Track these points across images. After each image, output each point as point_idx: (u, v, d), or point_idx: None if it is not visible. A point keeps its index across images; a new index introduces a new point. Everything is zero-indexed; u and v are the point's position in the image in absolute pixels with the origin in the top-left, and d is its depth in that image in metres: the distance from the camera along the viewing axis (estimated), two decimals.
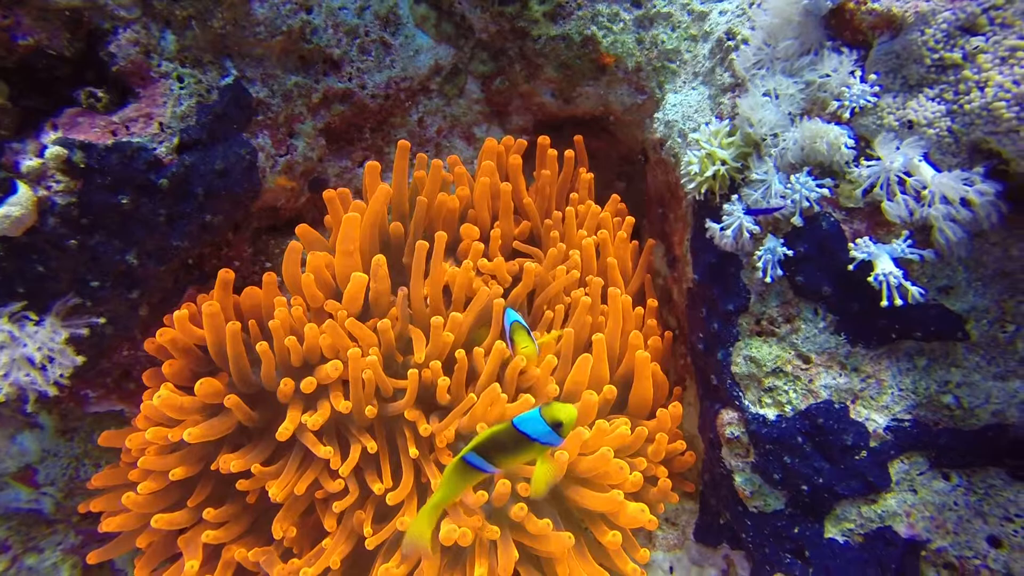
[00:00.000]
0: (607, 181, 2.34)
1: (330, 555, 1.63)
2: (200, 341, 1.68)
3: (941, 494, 1.28)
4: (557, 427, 1.19)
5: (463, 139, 2.15)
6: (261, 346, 1.57)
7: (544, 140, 1.99)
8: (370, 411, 1.62)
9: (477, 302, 1.69)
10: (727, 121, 1.46)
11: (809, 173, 1.29)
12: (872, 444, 1.31)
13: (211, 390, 1.65)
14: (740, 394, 1.47)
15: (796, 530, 1.41)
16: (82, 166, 1.33)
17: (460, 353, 1.66)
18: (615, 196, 2.06)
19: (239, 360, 1.66)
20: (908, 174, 1.18)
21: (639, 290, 2.01)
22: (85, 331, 1.52)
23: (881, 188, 1.21)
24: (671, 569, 1.88)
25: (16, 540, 2.13)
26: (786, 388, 1.39)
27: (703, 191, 1.49)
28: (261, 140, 1.67)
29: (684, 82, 1.86)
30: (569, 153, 2.00)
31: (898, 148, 1.17)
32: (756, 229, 1.37)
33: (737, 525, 1.58)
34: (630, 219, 2.02)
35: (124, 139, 1.37)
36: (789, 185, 1.29)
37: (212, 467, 1.74)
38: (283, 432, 1.60)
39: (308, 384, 1.61)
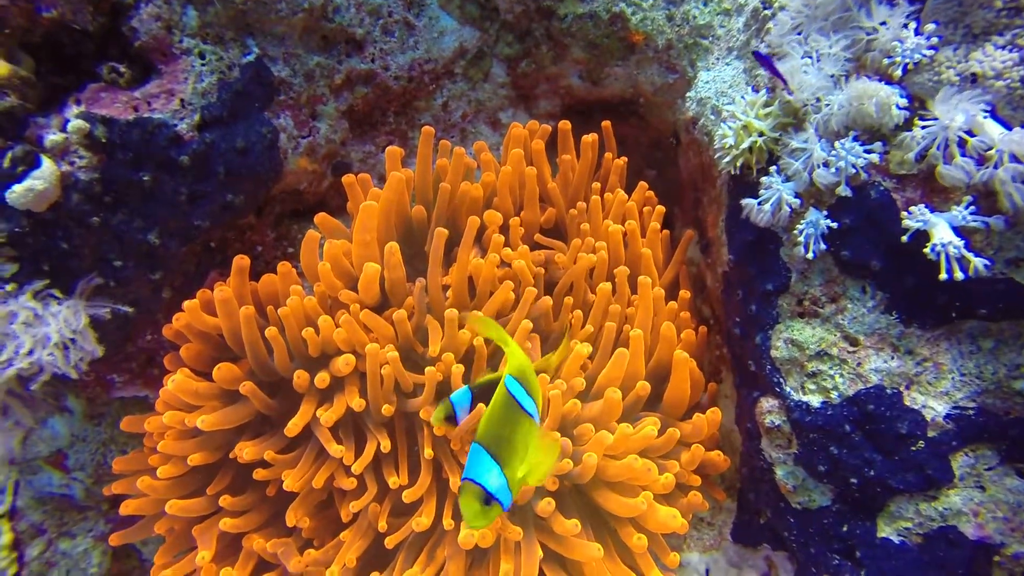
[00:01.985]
0: (637, 169, 2.25)
1: (346, 552, 1.57)
2: (216, 329, 1.66)
3: (1016, 493, 1.15)
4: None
5: (488, 125, 2.10)
6: (270, 331, 1.53)
7: (565, 125, 1.92)
8: (387, 410, 1.57)
9: (496, 300, 1.62)
10: (764, 91, 1.37)
11: (856, 138, 1.19)
12: (930, 434, 1.20)
13: (229, 375, 1.62)
14: (781, 380, 1.36)
15: (845, 528, 1.30)
16: (104, 141, 1.33)
17: (479, 342, 1.60)
18: (643, 184, 1.98)
19: (255, 347, 1.62)
20: (970, 134, 1.08)
21: (672, 282, 1.92)
22: (107, 314, 1.50)
23: (938, 149, 1.11)
24: (707, 572, 1.77)
25: (51, 524, 2.16)
26: (832, 373, 1.29)
27: (738, 165, 1.40)
28: (283, 120, 1.65)
29: (717, 59, 1.77)
30: (592, 138, 1.92)
31: (958, 105, 1.07)
32: (796, 202, 1.28)
33: (779, 523, 1.47)
34: (660, 208, 1.93)
35: (145, 115, 1.36)
36: (834, 152, 1.19)
37: (231, 455, 1.71)
38: (292, 428, 1.56)
39: (321, 380, 1.56)
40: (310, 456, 1.66)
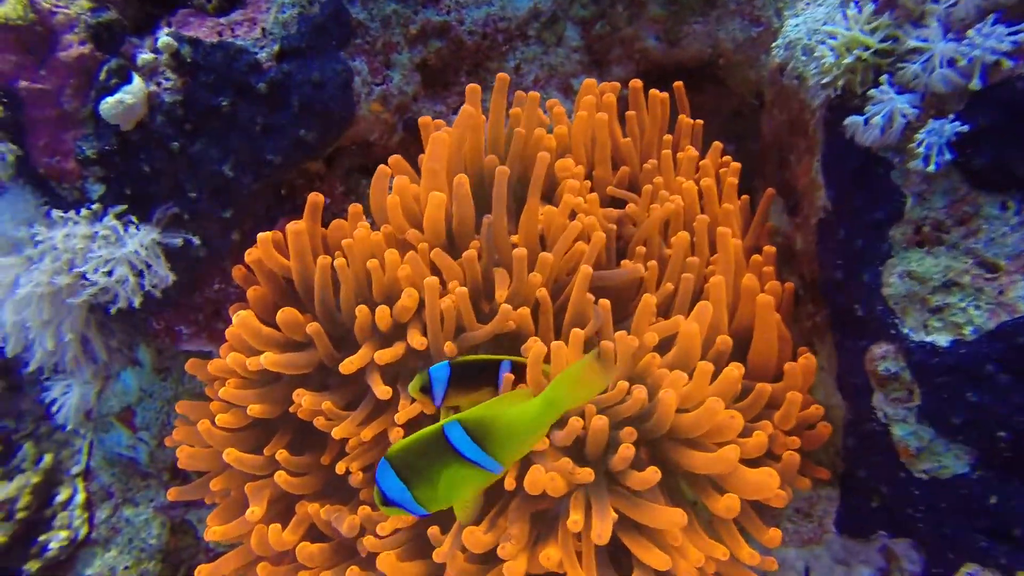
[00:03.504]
0: (713, 141, 2.15)
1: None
2: (285, 270, 1.65)
3: None
4: None
5: (560, 91, 2.06)
6: (339, 263, 1.49)
7: (636, 83, 1.86)
8: (449, 347, 1.50)
9: (566, 240, 1.53)
10: (870, 5, 1.26)
11: (997, 21, 1.05)
12: None
13: (292, 320, 1.59)
14: (896, 320, 1.20)
15: (993, 500, 1.09)
16: (189, 61, 1.36)
17: (543, 293, 1.51)
18: (717, 144, 1.87)
19: (324, 290, 1.59)
20: None
21: (753, 246, 1.79)
22: (179, 241, 1.51)
23: None
24: (806, 570, 1.56)
25: (118, 487, 2.20)
26: (963, 305, 1.12)
27: (839, 86, 1.28)
28: (358, 64, 1.66)
29: (808, 3, 1.68)
30: (663, 94, 1.84)
31: None
32: (913, 112, 1.14)
33: (899, 501, 1.27)
34: (736, 164, 1.81)
35: (228, 40, 1.40)
36: (966, 41, 1.05)
37: (291, 409, 1.67)
38: (346, 366, 1.50)
39: (382, 314, 1.49)
40: (365, 409, 1.60)
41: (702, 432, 1.35)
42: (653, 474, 1.28)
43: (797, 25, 1.60)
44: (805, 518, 1.60)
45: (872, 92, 1.20)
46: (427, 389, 1.37)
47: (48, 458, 2.10)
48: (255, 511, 1.57)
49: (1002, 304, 1.08)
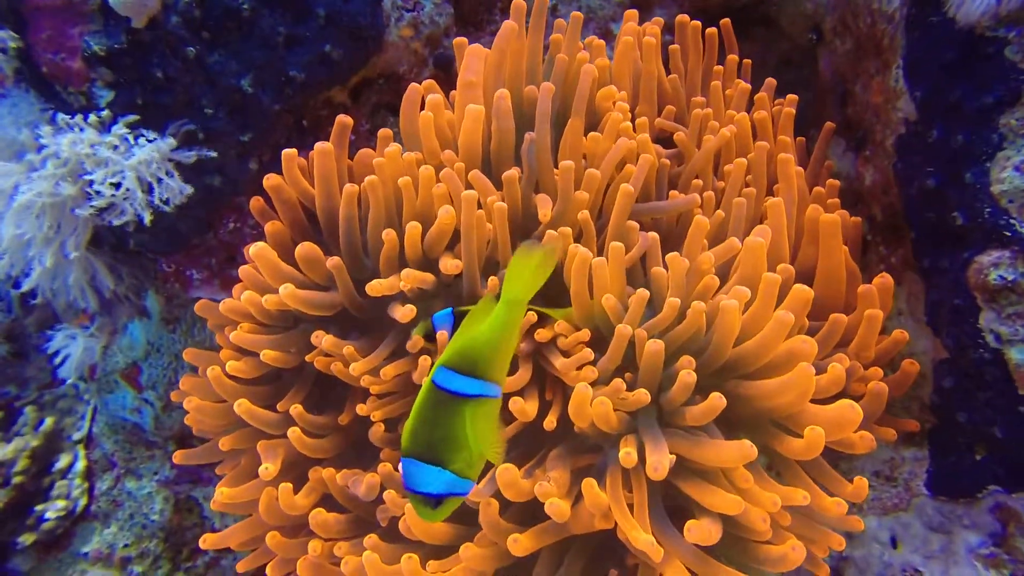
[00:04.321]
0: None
1: None
2: (308, 199, 1.52)
3: None
4: None
5: (599, 35, 1.95)
6: (369, 181, 1.36)
7: (683, 18, 1.74)
8: (492, 282, 1.35)
9: (616, 153, 1.39)
10: None
11: None
12: None
13: (312, 254, 1.45)
14: (1011, 221, 1.03)
15: None
16: None
17: (585, 215, 1.35)
18: (771, 81, 1.73)
19: (349, 222, 1.45)
20: None
21: (812, 183, 1.63)
22: (192, 157, 1.40)
23: None
24: (893, 541, 1.34)
25: (121, 457, 2.07)
26: None
27: None
28: None
29: None
30: (711, 29, 1.72)
31: None
32: None
33: (1016, 446, 1.08)
34: (792, 96, 1.67)
35: None
36: None
37: (308, 358, 1.52)
38: (372, 287, 1.35)
39: (413, 234, 1.34)
40: (388, 347, 1.45)
41: (770, 356, 1.16)
42: (718, 400, 1.10)
43: None
44: (887, 482, 1.39)
45: None
46: (430, 336, 1.31)
47: (49, 422, 1.98)
48: (269, 468, 1.41)
49: None
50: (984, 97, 1.07)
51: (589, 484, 1.11)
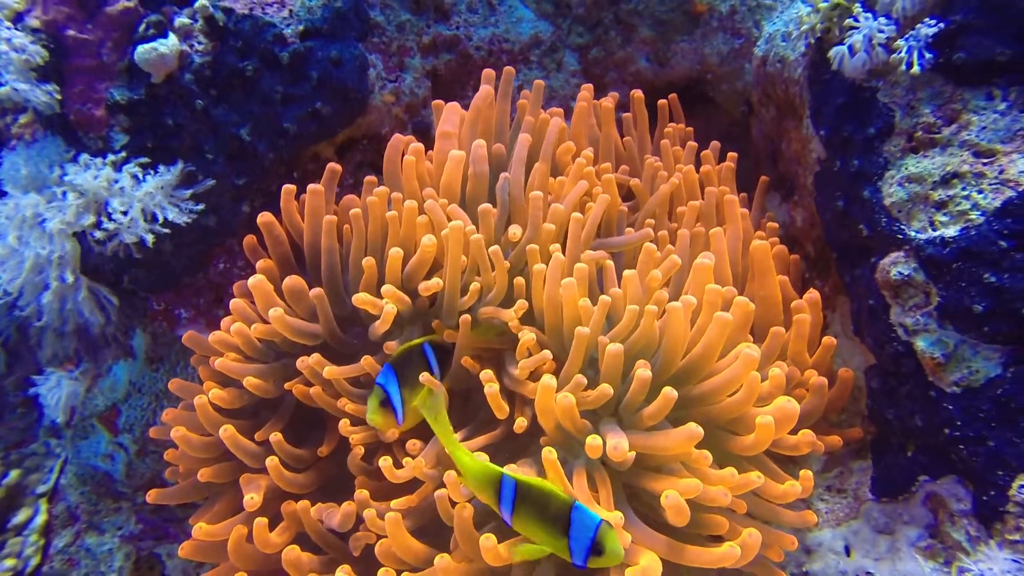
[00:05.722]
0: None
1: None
2: (299, 234, 1.66)
3: None
4: None
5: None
6: (355, 212, 1.51)
7: (637, 93, 2.01)
8: (464, 320, 1.47)
9: (579, 191, 1.57)
10: None
11: None
12: None
13: (296, 286, 1.58)
14: (902, 226, 1.21)
15: None
16: (220, 25, 1.48)
17: (552, 246, 1.50)
18: (715, 143, 1.98)
19: (331, 255, 1.59)
20: None
21: (754, 227, 1.82)
22: (188, 194, 1.55)
23: None
24: (847, 549, 1.40)
25: (85, 510, 2.02)
26: (966, 193, 1.13)
27: (820, 29, 1.39)
28: (374, 59, 1.81)
29: (782, 10, 1.87)
30: (661, 101, 1.98)
31: None
32: (892, 28, 1.24)
33: (933, 429, 1.18)
34: (732, 153, 1.91)
35: (258, 13, 1.53)
36: None
37: (287, 386, 1.59)
38: (359, 300, 1.46)
39: (394, 257, 1.47)
40: (363, 368, 1.52)
41: (716, 357, 1.28)
42: (670, 393, 1.20)
43: (774, 25, 1.78)
44: (838, 494, 1.47)
45: (848, 21, 1.31)
46: (386, 403, 1.38)
47: (14, 474, 1.93)
48: (254, 497, 1.43)
49: (1005, 182, 1.10)
50: (868, 130, 1.29)
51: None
